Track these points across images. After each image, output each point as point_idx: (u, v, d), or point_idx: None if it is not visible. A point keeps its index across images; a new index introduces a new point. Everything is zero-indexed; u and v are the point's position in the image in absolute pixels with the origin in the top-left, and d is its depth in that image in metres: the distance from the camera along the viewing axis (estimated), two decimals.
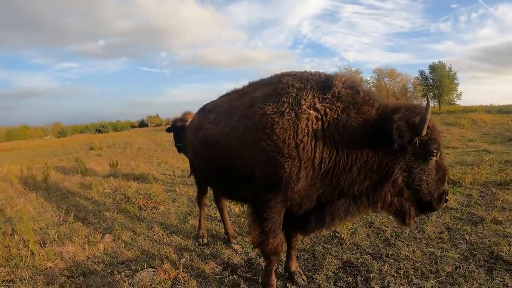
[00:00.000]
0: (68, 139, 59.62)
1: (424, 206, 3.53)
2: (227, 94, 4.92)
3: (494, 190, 7.76)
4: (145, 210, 7.96)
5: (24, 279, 5.03)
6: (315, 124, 3.35)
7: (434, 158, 3.29)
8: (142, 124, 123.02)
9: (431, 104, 3.19)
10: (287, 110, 3.44)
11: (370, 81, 73.98)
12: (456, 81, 60.24)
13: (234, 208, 7.35)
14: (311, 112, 3.35)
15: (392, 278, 4.42)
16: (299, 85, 3.59)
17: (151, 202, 8.25)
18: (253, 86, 4.32)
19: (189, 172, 11.76)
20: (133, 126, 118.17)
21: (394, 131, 3.06)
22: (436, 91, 58.86)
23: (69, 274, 5.15)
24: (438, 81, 58.59)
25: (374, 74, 74.90)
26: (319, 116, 3.36)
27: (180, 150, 10.74)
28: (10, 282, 5.10)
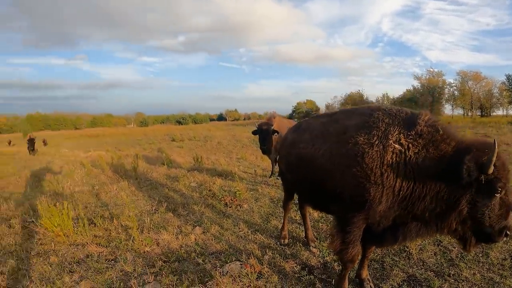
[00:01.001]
0: (149, 129, 61.54)
1: (485, 237, 3.78)
2: (319, 117, 5.41)
3: None
4: (230, 207, 8.53)
5: (127, 260, 5.71)
6: (399, 157, 3.77)
7: (498, 195, 3.57)
8: (221, 118, 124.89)
9: None
10: (376, 142, 3.88)
11: (453, 84, 72.85)
12: None
13: (313, 213, 7.62)
14: (396, 146, 3.78)
15: None
16: (388, 120, 4.01)
17: (236, 200, 8.72)
18: (345, 113, 4.76)
19: (270, 173, 12.37)
20: (211, 119, 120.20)
21: (464, 171, 3.40)
22: None
23: (165, 259, 5.76)
24: None
25: (458, 77, 74.04)
26: (403, 150, 3.77)
27: (264, 152, 11.37)
28: (112, 261, 5.79)
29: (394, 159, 3.79)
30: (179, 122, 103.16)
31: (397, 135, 3.87)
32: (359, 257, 4.54)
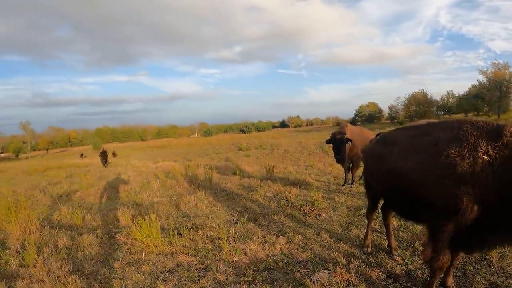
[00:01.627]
0: (214, 138, 62.24)
1: None
2: (405, 129, 5.59)
3: None
4: (309, 216, 8.57)
5: (219, 269, 5.97)
6: (487, 168, 3.89)
7: None
8: (283, 125, 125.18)
9: None
10: (467, 154, 4.02)
11: None
12: None
13: (392, 222, 7.42)
14: (485, 157, 3.91)
15: None
16: (476, 133, 4.13)
17: (314, 209, 8.76)
18: (433, 126, 4.89)
19: (344, 181, 12.48)
20: (274, 126, 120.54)
21: None
22: None
23: (254, 268, 5.95)
24: None
25: None
26: (491, 161, 3.90)
27: (339, 161, 11.51)
28: (203, 270, 6.05)
29: (483, 169, 3.90)
30: (242, 131, 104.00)
31: (485, 147, 3.98)
32: (447, 264, 4.60)
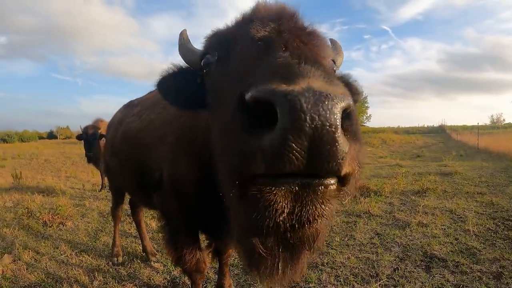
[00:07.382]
0: None
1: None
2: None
3: (413, 197, 8.52)
4: (50, 227, 7.08)
5: None
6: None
7: None
8: (51, 136, 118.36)
9: None
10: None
11: None
12: (366, 104, 68.64)
13: (151, 223, 6.85)
14: None
15: (333, 286, 4.33)
16: None
17: (58, 218, 7.36)
18: None
19: (100, 186, 11.03)
20: (41, 137, 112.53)
21: None
22: None
23: None
24: None
25: None
26: None
27: (90, 160, 10.08)
28: None
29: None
30: (4, 140, 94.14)
31: None
32: (205, 265, 3.41)
